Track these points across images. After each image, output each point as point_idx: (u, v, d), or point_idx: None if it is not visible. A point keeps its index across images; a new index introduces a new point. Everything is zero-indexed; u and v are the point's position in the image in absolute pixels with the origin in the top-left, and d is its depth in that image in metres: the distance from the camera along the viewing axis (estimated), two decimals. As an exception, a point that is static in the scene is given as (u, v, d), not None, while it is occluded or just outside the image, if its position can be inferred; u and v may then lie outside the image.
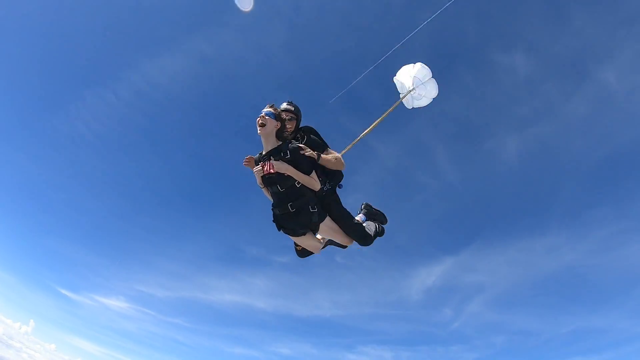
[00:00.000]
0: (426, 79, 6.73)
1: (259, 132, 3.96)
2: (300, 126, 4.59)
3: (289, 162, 3.89)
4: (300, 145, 4.05)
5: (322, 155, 4.28)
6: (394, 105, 6.49)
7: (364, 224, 4.66)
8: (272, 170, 3.91)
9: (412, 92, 6.83)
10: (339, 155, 4.54)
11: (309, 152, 4.04)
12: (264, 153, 4.07)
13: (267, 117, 3.96)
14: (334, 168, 4.39)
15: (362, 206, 5.29)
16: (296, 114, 4.55)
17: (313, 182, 4.00)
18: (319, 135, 4.55)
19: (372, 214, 5.22)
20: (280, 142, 4.04)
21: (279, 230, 4.25)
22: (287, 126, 4.19)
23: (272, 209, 4.19)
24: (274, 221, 4.22)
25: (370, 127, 5.90)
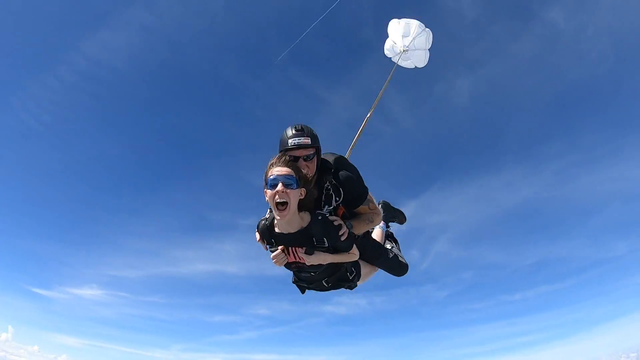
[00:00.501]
0: (419, 37, 6.50)
1: (278, 216, 3.15)
2: (321, 159, 3.62)
3: (325, 249, 3.33)
4: (337, 221, 3.34)
5: (363, 221, 3.72)
6: (389, 77, 6.18)
7: (395, 252, 4.38)
8: (301, 261, 3.40)
9: (404, 52, 6.57)
10: (379, 208, 3.97)
11: (349, 231, 3.36)
12: (282, 231, 3.36)
13: (288, 191, 3.11)
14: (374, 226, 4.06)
15: (380, 206, 4.97)
16: (315, 146, 3.51)
17: (353, 256, 3.49)
18: (353, 169, 3.76)
19: (391, 215, 5.03)
20: (306, 215, 3.33)
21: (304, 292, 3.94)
22: (308, 174, 3.36)
23: (296, 279, 3.78)
24: (296, 284, 3.87)
25: (372, 106, 5.60)
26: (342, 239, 3.27)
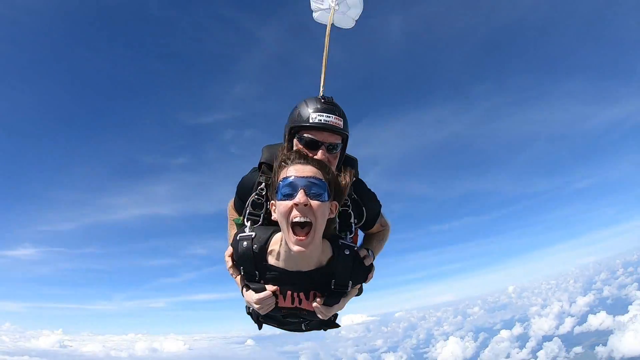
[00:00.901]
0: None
1: (294, 245, 2.35)
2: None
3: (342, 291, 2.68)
4: (368, 258, 2.72)
5: (378, 244, 3.14)
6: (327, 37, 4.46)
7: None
8: (306, 308, 2.65)
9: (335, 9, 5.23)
10: (388, 221, 3.30)
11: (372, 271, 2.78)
12: (283, 266, 2.57)
13: (315, 205, 2.33)
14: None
15: None
16: (346, 134, 2.84)
17: (355, 292, 2.83)
18: (366, 186, 3.09)
19: None
20: (326, 246, 2.59)
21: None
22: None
23: (264, 317, 2.97)
24: (258, 320, 3.10)
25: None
26: (369, 280, 2.75)
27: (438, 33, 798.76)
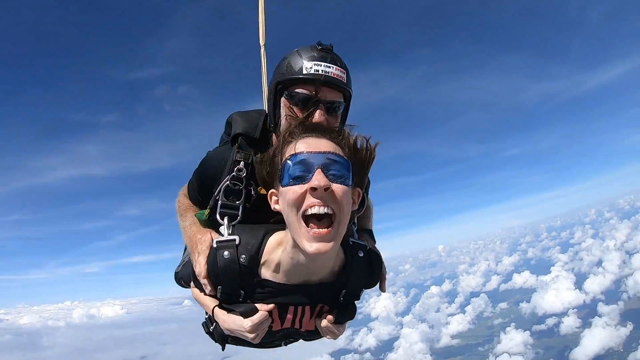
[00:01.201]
0: None
1: (310, 246, 1.68)
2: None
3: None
4: (382, 264, 2.26)
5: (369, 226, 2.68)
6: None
7: None
8: (307, 329, 2.17)
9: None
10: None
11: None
12: (284, 280, 1.96)
13: (338, 190, 1.70)
14: None
15: None
16: (349, 90, 2.28)
17: None
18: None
19: None
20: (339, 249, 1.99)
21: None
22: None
23: (233, 339, 2.28)
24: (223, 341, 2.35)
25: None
26: (384, 287, 2.31)
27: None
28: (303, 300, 2.01)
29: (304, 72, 2.08)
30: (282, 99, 2.21)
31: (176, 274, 2.63)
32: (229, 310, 1.99)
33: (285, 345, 2.43)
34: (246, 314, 1.92)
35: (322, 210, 1.65)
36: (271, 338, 2.14)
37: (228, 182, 2.21)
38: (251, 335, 1.94)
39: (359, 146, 1.89)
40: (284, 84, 2.17)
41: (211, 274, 1.95)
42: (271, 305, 1.95)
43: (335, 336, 2.13)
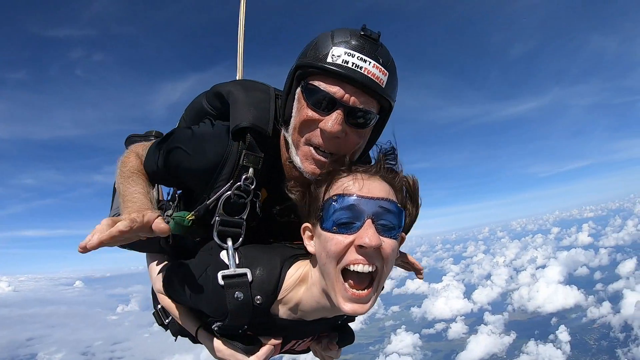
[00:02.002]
0: None
1: (347, 308, 1.44)
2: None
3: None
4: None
5: None
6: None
7: None
8: (301, 349, 2.06)
9: None
10: None
11: None
12: (298, 315, 1.69)
13: (387, 245, 1.43)
14: None
15: None
16: (389, 99, 1.66)
17: None
18: None
19: None
20: None
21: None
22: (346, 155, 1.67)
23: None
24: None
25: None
26: None
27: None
28: (310, 333, 1.85)
29: (329, 60, 1.51)
30: (298, 89, 1.65)
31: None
32: (223, 340, 1.71)
33: None
34: (249, 352, 1.66)
35: (367, 269, 1.40)
36: None
37: (230, 193, 1.72)
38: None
39: (412, 187, 1.60)
40: (303, 70, 1.61)
41: (210, 310, 1.64)
42: (279, 341, 1.71)
43: (328, 356, 2.01)
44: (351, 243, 1.38)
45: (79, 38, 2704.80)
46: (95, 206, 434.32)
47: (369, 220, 1.37)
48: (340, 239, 1.39)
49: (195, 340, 1.95)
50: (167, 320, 2.07)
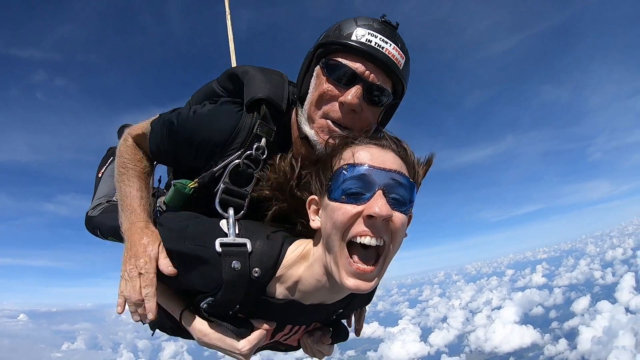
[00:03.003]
0: None
1: (350, 283, 1.35)
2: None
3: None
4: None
5: None
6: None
7: None
8: (289, 343, 1.93)
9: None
10: None
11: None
12: (298, 296, 1.57)
13: (397, 219, 1.36)
14: None
15: None
16: (403, 81, 1.71)
17: None
18: None
19: None
20: None
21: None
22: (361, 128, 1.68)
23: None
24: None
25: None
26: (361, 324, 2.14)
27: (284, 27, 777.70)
28: (305, 319, 1.75)
29: (353, 38, 1.58)
30: (317, 67, 1.69)
31: (90, 218, 2.20)
32: (210, 321, 1.58)
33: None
34: (241, 335, 1.54)
35: (374, 242, 1.34)
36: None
37: (240, 162, 1.68)
38: (241, 357, 1.56)
39: (422, 165, 1.55)
40: (326, 48, 1.66)
41: (203, 282, 1.51)
42: (270, 327, 1.59)
43: (323, 356, 1.88)
44: (359, 213, 1.32)
45: (43, 60, 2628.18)
46: (43, 236, 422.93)
47: (380, 191, 1.32)
48: (349, 209, 1.33)
49: (175, 330, 1.85)
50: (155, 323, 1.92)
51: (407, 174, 1.41)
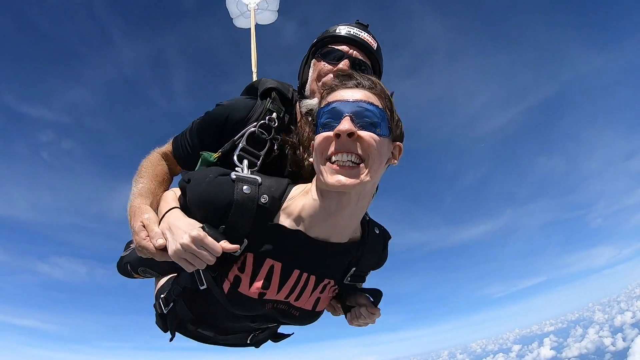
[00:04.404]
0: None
1: (333, 180, 1.49)
2: None
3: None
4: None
5: None
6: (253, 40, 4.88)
7: None
8: (303, 307, 1.86)
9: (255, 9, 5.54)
10: None
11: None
12: (303, 227, 1.67)
13: (366, 137, 1.52)
14: None
15: None
16: (378, 61, 2.22)
17: None
18: None
19: None
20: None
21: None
22: None
23: (192, 323, 2.05)
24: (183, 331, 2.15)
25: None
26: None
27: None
28: (312, 266, 1.76)
29: (337, 31, 2.14)
30: (313, 60, 2.20)
31: (120, 259, 2.45)
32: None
33: (251, 342, 2.23)
34: (216, 238, 1.51)
35: (346, 157, 1.49)
36: (254, 310, 1.75)
37: (255, 129, 1.99)
38: (209, 255, 1.50)
39: (392, 94, 1.75)
40: (317, 45, 2.20)
41: (212, 210, 1.60)
42: (277, 264, 1.69)
43: (372, 321, 1.94)
44: (331, 137, 1.52)
45: (52, 121, 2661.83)
46: (33, 296, 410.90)
47: (347, 117, 1.51)
48: (324, 135, 1.55)
49: (165, 270, 2.27)
50: (166, 309, 2.08)
51: (375, 103, 1.58)
